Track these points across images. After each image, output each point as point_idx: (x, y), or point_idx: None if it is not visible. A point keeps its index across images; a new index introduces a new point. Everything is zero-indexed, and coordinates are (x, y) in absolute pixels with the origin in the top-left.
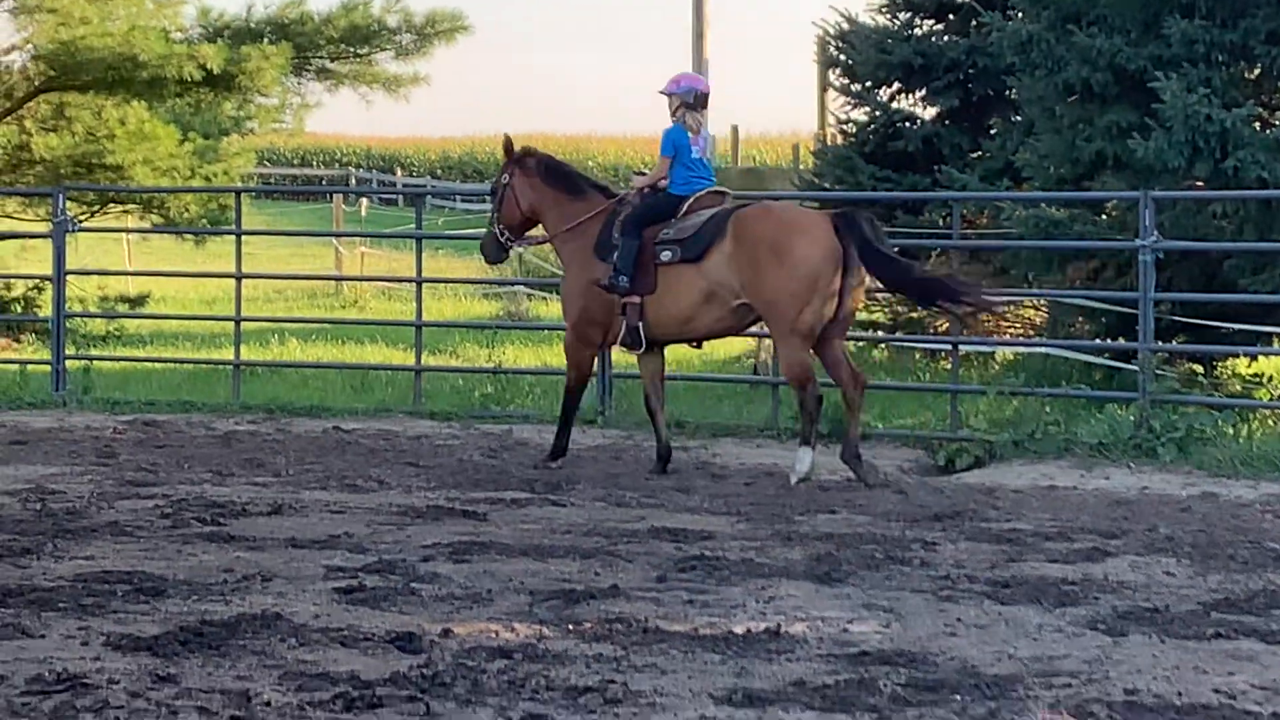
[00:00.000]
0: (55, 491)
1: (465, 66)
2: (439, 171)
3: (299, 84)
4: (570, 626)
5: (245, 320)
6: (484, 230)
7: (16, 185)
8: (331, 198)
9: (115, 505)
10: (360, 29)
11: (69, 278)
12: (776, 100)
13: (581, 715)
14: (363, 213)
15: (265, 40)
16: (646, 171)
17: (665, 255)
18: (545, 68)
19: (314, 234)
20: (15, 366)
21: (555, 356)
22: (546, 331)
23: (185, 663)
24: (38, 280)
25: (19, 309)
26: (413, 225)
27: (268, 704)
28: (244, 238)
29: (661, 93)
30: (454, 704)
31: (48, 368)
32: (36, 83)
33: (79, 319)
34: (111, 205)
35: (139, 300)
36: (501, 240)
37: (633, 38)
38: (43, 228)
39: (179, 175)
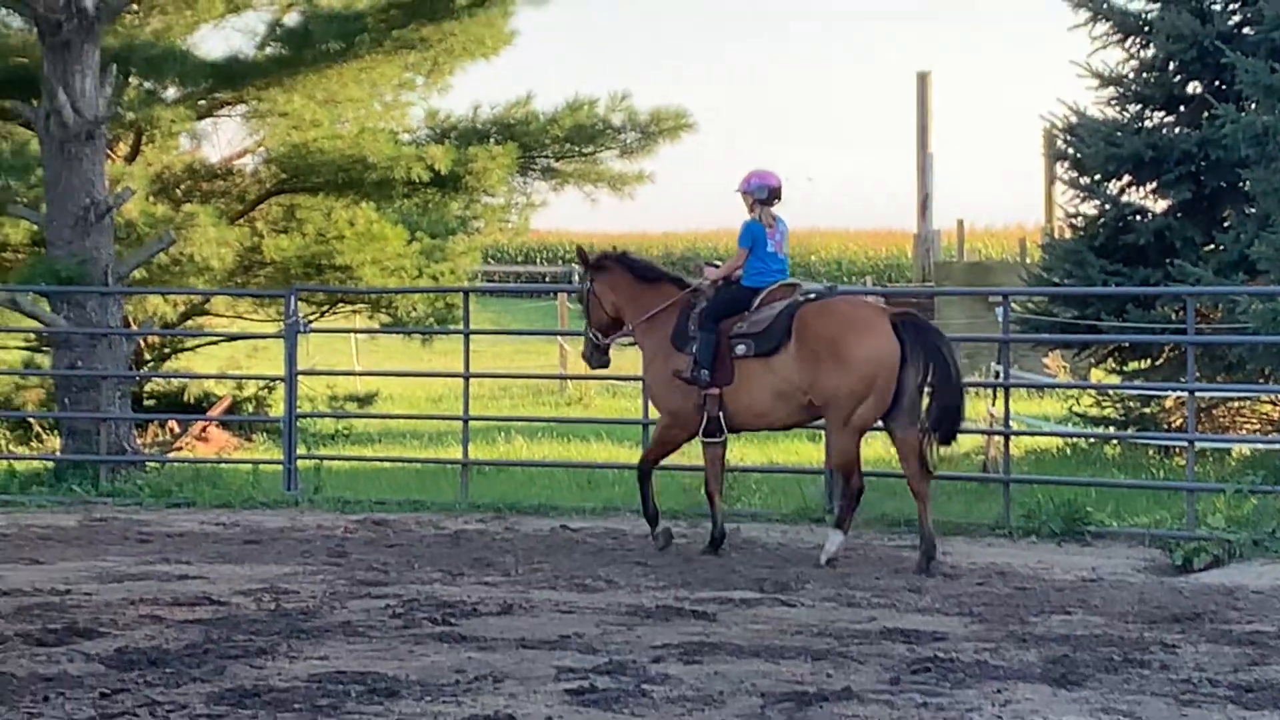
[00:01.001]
0: (288, 591)
1: (687, 161)
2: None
3: (524, 183)
4: None
5: (473, 419)
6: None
7: (249, 287)
8: (556, 295)
9: (347, 605)
10: (585, 128)
11: (299, 378)
12: (1002, 193)
13: None
14: None
15: (491, 140)
16: (719, 263)
17: (740, 349)
18: (767, 162)
19: (541, 333)
20: (248, 466)
21: (782, 454)
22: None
23: None
24: (269, 381)
25: (251, 409)
26: None
27: None
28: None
29: (737, 191)
30: None
31: (279, 467)
32: (268, 185)
33: (309, 418)
34: (340, 305)
35: (367, 399)
36: (598, 344)
37: (857, 132)
38: (274, 328)
39: (406, 275)
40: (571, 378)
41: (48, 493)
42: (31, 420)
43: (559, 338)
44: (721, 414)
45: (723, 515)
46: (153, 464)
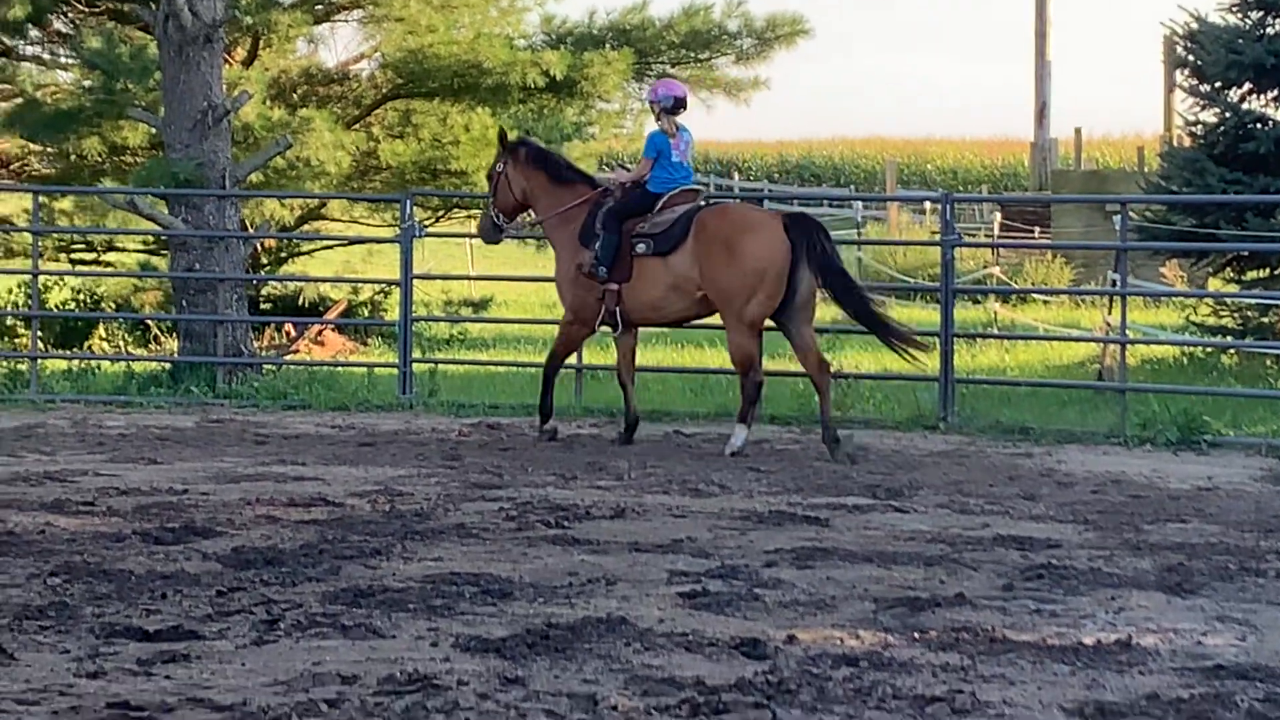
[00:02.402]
0: (403, 493)
1: (802, 68)
2: (775, 175)
3: (639, 89)
4: (915, 635)
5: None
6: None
7: (364, 191)
8: None
9: (461, 507)
10: (701, 34)
11: (415, 282)
12: (1120, 102)
13: None
14: None
15: (607, 46)
16: (631, 167)
17: (640, 248)
18: (883, 70)
19: None
20: (363, 369)
21: (896, 362)
22: None
23: (532, 665)
24: (385, 285)
25: (366, 313)
26: None
27: (614, 708)
28: None
29: (645, 100)
30: (800, 711)
31: (395, 370)
32: (384, 90)
33: (424, 323)
34: (455, 210)
35: (482, 304)
36: (497, 223)
37: (974, 39)
38: (389, 233)
39: None
40: None
41: (165, 394)
42: (149, 322)
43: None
44: (619, 308)
45: (636, 404)
46: (269, 366)
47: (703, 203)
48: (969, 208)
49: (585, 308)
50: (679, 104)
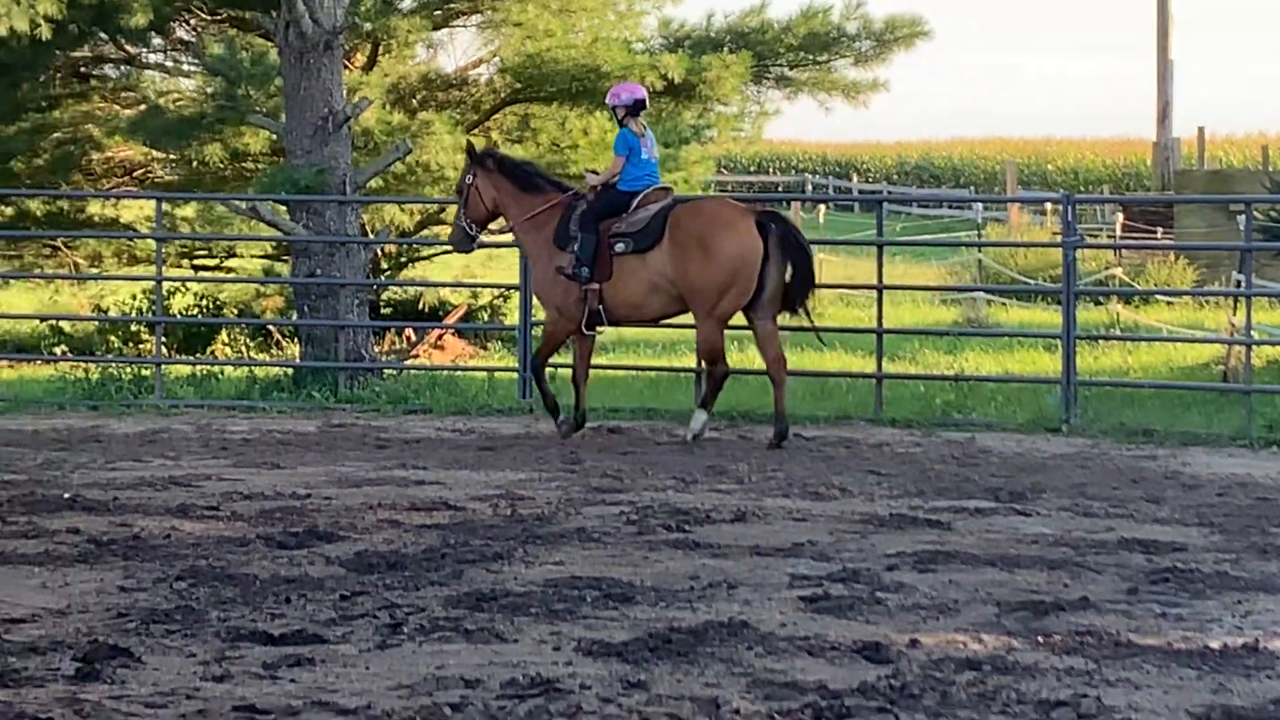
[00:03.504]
0: (524, 497)
1: (920, 69)
2: (894, 176)
3: (758, 92)
4: (1039, 639)
5: None
6: (451, 226)
7: None
8: (789, 204)
9: (582, 511)
10: (819, 36)
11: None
12: (1244, 101)
13: None
14: (821, 219)
15: (725, 49)
16: (598, 172)
17: (619, 247)
18: (1003, 70)
19: None
20: (483, 374)
21: (1017, 363)
22: (1008, 338)
23: (654, 669)
24: (504, 289)
25: (486, 317)
26: (869, 231)
27: (737, 712)
28: None
29: (607, 104)
30: (923, 715)
31: (515, 375)
32: (503, 95)
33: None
34: None
35: None
36: (469, 233)
37: (1095, 38)
38: (509, 238)
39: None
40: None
41: (287, 399)
42: (271, 327)
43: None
44: (601, 307)
45: (586, 401)
46: (389, 371)
47: (673, 201)
48: (1090, 208)
49: (567, 306)
50: (639, 105)
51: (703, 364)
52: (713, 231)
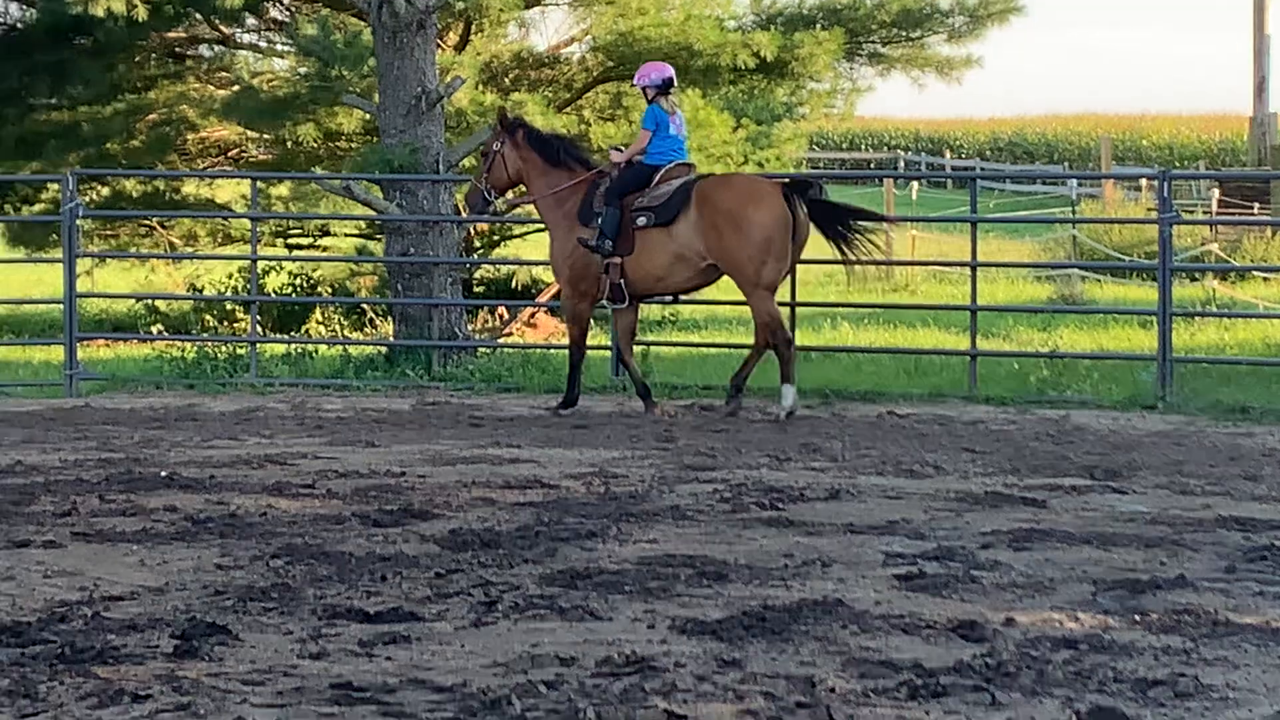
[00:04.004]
0: (617, 475)
1: (1013, 45)
2: (987, 153)
3: (850, 69)
4: (1136, 617)
5: (800, 305)
6: (468, 186)
7: None
8: (881, 181)
9: (676, 489)
10: (913, 12)
11: None
12: None
13: (1151, 709)
14: (914, 196)
15: (818, 26)
16: (622, 148)
17: (641, 220)
18: (1097, 45)
19: (869, 218)
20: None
21: (1112, 340)
22: (1103, 315)
23: (749, 647)
24: None
25: None
26: (962, 208)
27: (832, 690)
28: None
29: (635, 85)
30: (1019, 694)
31: (607, 353)
32: (595, 73)
33: None
34: None
35: None
36: (488, 197)
37: (1190, 12)
38: None
39: (732, 161)
40: (898, 263)
41: (381, 377)
42: (365, 306)
43: (885, 224)
44: (623, 281)
45: (640, 373)
46: (483, 349)
47: (694, 176)
48: (1186, 184)
49: (583, 281)
50: (668, 84)
51: (765, 341)
52: (743, 205)
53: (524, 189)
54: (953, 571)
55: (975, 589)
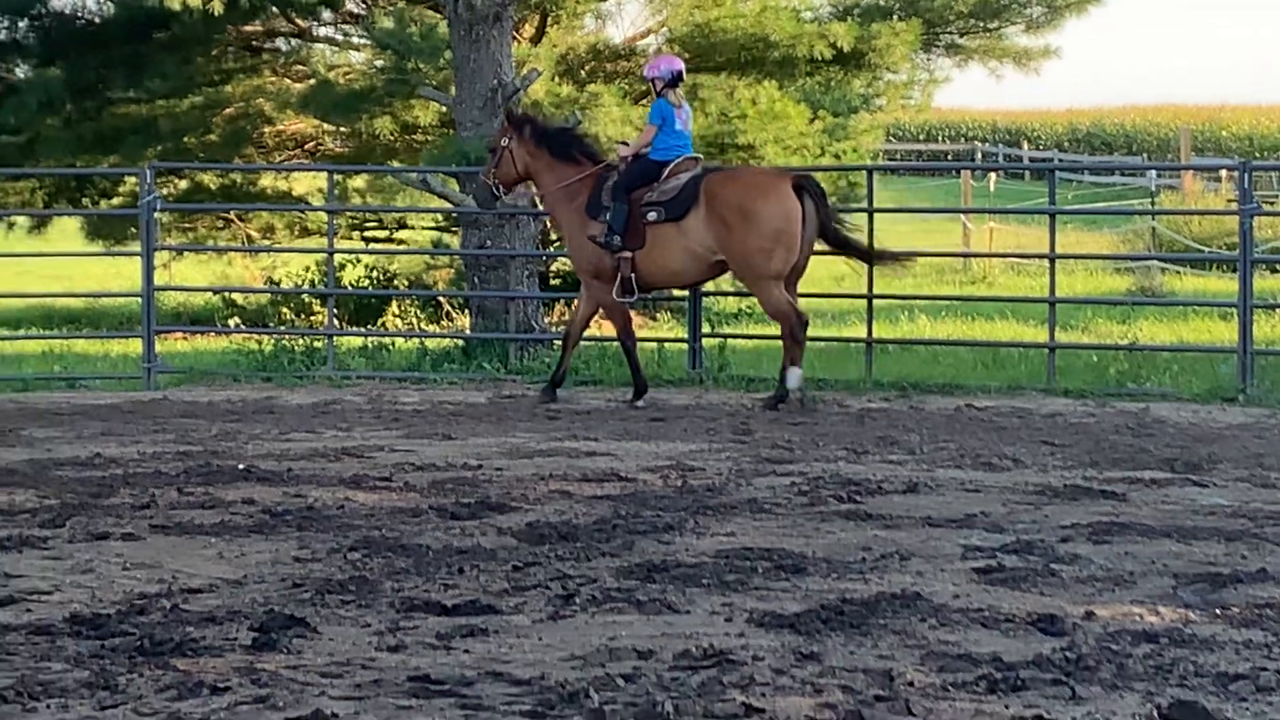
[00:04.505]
0: (695, 468)
1: (1091, 35)
2: (1065, 144)
3: (928, 60)
4: (1217, 611)
5: (877, 297)
6: (479, 180)
7: None
8: (958, 172)
9: (753, 482)
10: (990, 3)
11: None
12: None
13: (1232, 703)
14: (991, 187)
15: (895, 17)
16: (629, 143)
17: (651, 215)
18: (1176, 35)
19: (947, 211)
20: (653, 344)
21: (1192, 332)
22: (1182, 307)
23: (827, 641)
24: None
25: None
26: (1040, 199)
27: (911, 684)
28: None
29: (645, 75)
30: (1099, 688)
31: (684, 345)
32: None
33: (712, 296)
34: None
35: None
36: (496, 192)
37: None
38: None
39: (809, 153)
40: (975, 255)
41: (458, 370)
42: (442, 299)
43: (962, 216)
44: (633, 275)
45: (568, 365)
46: (559, 342)
47: (702, 170)
48: (1267, 175)
49: (605, 272)
50: (677, 77)
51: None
52: (753, 199)
53: (532, 184)
54: (1032, 565)
55: (1055, 582)
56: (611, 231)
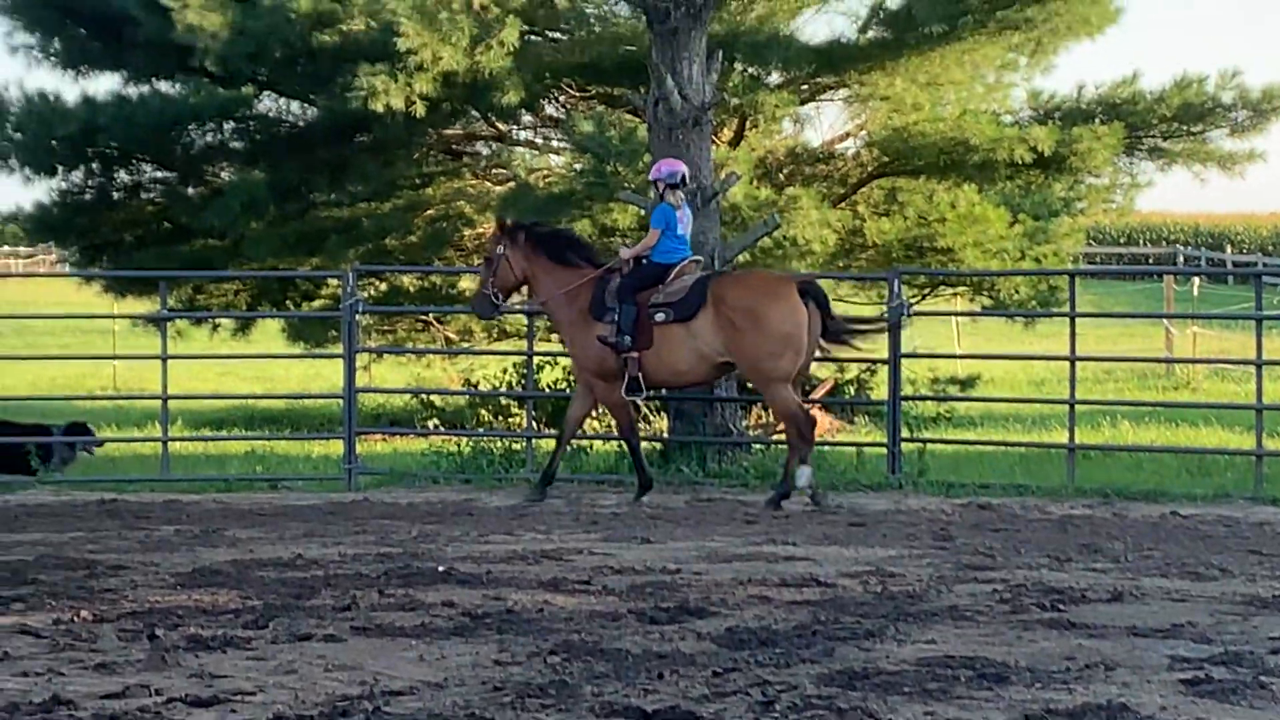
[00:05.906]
0: (894, 574)
1: None
2: (1270, 248)
3: (1130, 163)
4: None
5: (1078, 403)
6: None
7: (850, 269)
8: (1161, 276)
9: (954, 589)
10: (1194, 106)
11: (902, 360)
12: None
13: None
14: (1194, 292)
15: (1096, 121)
16: (629, 245)
17: (659, 316)
18: None
19: (1146, 315)
20: (851, 449)
21: None
22: None
23: None
24: (871, 363)
25: (852, 391)
26: (1245, 304)
27: None
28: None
29: (649, 178)
30: None
31: (883, 450)
32: (869, 168)
33: (912, 401)
34: (941, 288)
35: (969, 382)
36: (495, 302)
37: None
38: (875, 311)
39: (1008, 257)
40: (1179, 361)
41: (656, 472)
42: (640, 402)
43: (1164, 320)
44: (640, 375)
45: (557, 465)
46: (757, 445)
47: (704, 272)
48: None
49: (609, 372)
50: (682, 180)
51: (796, 432)
52: (762, 302)
53: (531, 290)
54: (1241, 677)
55: (1265, 696)
56: (621, 332)
